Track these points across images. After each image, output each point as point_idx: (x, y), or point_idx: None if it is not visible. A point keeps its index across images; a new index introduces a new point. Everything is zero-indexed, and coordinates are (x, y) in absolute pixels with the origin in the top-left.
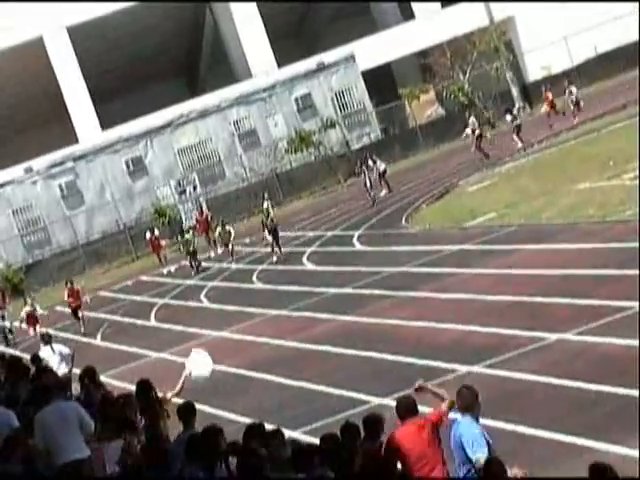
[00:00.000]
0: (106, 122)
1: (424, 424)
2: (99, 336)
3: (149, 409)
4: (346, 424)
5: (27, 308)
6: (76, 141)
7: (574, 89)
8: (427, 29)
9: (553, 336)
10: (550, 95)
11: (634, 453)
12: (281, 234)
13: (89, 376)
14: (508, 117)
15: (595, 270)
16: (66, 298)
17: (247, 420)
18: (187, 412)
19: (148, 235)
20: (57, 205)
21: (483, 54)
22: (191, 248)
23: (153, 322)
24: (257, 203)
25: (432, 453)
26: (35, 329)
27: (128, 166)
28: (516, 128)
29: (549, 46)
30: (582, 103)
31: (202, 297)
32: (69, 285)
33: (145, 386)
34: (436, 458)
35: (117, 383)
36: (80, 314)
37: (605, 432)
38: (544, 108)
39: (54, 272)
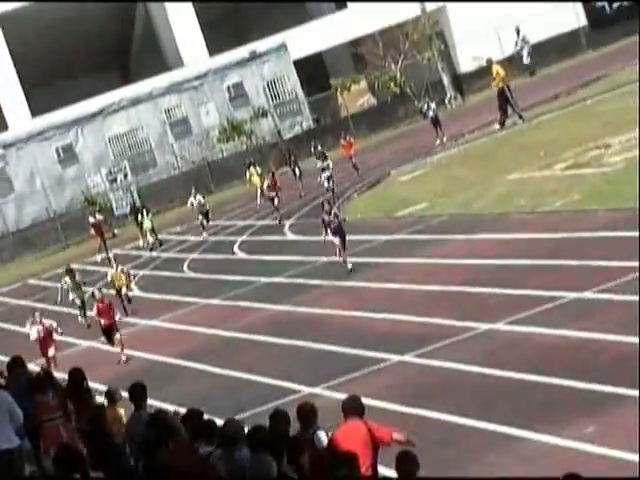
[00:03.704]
0: (36, 109)
1: (367, 430)
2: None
3: (79, 397)
4: (276, 411)
5: None
6: (6, 128)
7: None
8: (359, 18)
9: (484, 326)
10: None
11: (564, 443)
12: (213, 223)
13: (18, 364)
14: (431, 112)
15: (526, 260)
16: None
17: (176, 409)
18: (139, 392)
19: (91, 220)
20: None
21: (415, 44)
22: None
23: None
24: (188, 192)
25: (365, 456)
26: None
27: (58, 154)
28: (432, 120)
29: (481, 37)
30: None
31: (133, 285)
32: None
33: (76, 375)
34: (368, 461)
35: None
36: None
37: (536, 422)
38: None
39: None
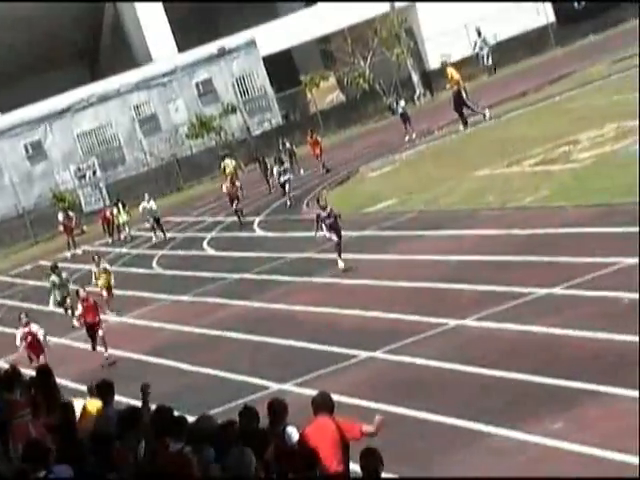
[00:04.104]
0: (5, 106)
1: (336, 426)
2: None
3: (47, 393)
4: (245, 408)
5: None
6: None
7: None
8: (328, 15)
9: (453, 322)
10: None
11: (533, 439)
12: (181, 219)
13: None
14: (400, 109)
15: (495, 256)
16: None
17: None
18: (106, 390)
19: (61, 217)
20: None
21: (384, 41)
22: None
23: (52, 308)
24: (158, 188)
25: (333, 453)
26: None
27: (27, 150)
28: (402, 117)
29: (450, 34)
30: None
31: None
32: None
33: (44, 371)
34: (338, 458)
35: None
36: None
37: (504, 418)
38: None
39: None
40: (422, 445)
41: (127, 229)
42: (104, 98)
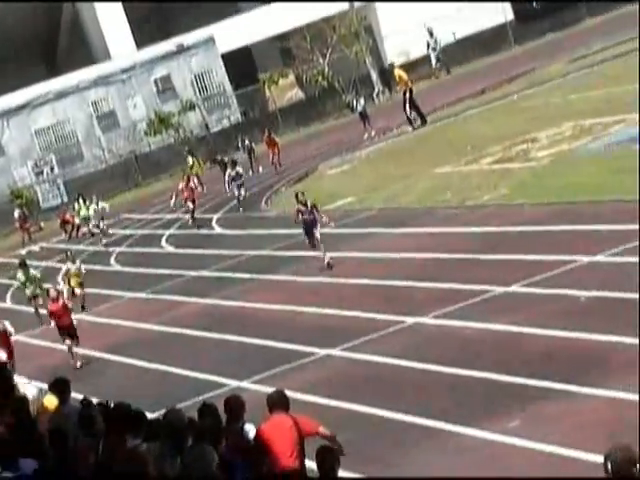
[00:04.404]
0: None
1: (293, 423)
2: None
3: (3, 390)
4: (204, 405)
5: None
6: None
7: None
8: (287, 12)
9: (410, 319)
10: None
11: (490, 437)
12: (140, 216)
13: None
14: (359, 106)
15: (453, 254)
16: None
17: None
18: (62, 387)
19: (16, 214)
20: None
21: (343, 38)
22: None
23: (9, 304)
24: (116, 185)
25: (290, 450)
26: None
27: None
28: (361, 114)
29: (408, 31)
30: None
31: (59, 279)
32: None
33: (1, 368)
34: (293, 455)
35: None
36: None
37: (462, 416)
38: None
39: None
40: (379, 443)
41: (89, 225)
42: (62, 94)
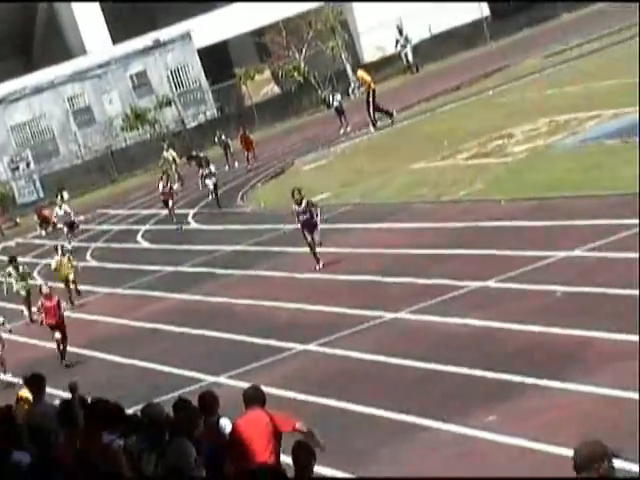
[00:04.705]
0: None
1: (268, 419)
2: None
3: None
4: (179, 400)
5: None
6: None
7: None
8: (263, 8)
9: (387, 315)
10: None
11: (467, 432)
12: (115, 212)
13: None
14: (335, 102)
15: (429, 249)
16: None
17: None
18: (37, 383)
19: None
20: None
21: (319, 34)
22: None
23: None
24: (92, 180)
25: (265, 445)
26: None
27: None
28: (337, 110)
29: (384, 27)
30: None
31: (35, 274)
32: None
33: None
34: (268, 448)
35: None
36: None
37: (439, 411)
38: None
39: None
40: (356, 438)
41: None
42: (38, 90)
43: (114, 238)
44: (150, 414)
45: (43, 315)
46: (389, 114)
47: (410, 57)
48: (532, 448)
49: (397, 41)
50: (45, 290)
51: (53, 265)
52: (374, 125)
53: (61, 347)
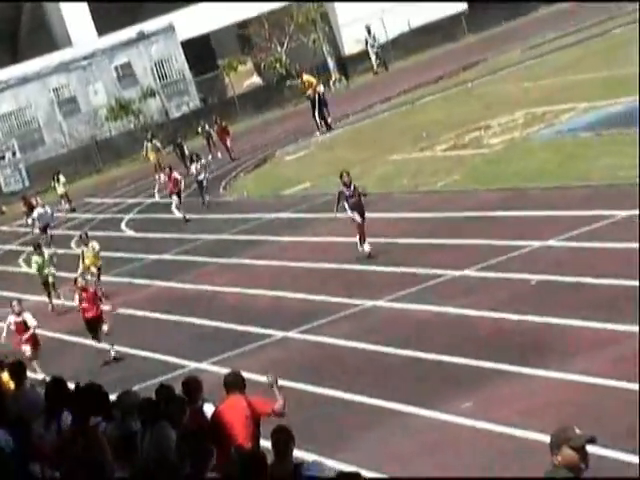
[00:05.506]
0: None
1: (247, 404)
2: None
3: None
4: (161, 386)
5: None
6: None
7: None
8: (246, 0)
9: (367, 303)
10: None
11: (444, 417)
12: (100, 200)
13: None
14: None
15: (408, 239)
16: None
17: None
18: (19, 371)
19: None
20: None
21: (301, 27)
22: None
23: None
24: (77, 170)
25: (244, 428)
26: None
27: None
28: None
29: (365, 20)
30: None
31: (20, 261)
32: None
33: None
34: (247, 434)
35: None
36: None
37: (417, 397)
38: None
39: None
40: (334, 423)
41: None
42: (23, 80)
43: (98, 227)
44: (124, 401)
45: (81, 309)
46: (327, 125)
47: (378, 56)
48: (508, 434)
49: (366, 40)
50: (81, 282)
51: (83, 255)
52: (319, 129)
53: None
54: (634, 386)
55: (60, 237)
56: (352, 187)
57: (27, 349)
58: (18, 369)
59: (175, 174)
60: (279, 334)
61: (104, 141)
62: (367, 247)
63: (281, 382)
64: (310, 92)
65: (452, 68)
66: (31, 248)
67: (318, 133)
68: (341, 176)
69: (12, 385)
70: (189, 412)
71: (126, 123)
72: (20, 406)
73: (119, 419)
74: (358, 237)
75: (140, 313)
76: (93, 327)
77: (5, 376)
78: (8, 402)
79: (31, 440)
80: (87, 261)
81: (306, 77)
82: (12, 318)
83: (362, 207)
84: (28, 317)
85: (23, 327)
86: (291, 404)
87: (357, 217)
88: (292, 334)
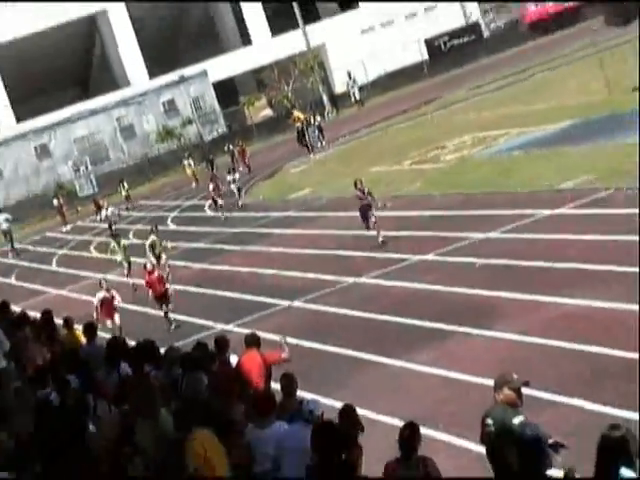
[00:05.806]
0: (21, 117)
1: (261, 357)
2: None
3: (49, 330)
4: (198, 343)
5: None
6: None
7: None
8: (261, 52)
9: (351, 279)
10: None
11: (407, 365)
12: (151, 203)
13: (4, 308)
14: (316, 122)
15: (383, 231)
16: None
17: None
18: (91, 330)
19: (55, 202)
20: None
21: (302, 71)
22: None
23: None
24: (133, 178)
25: (259, 375)
26: None
27: (36, 150)
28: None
29: (351, 65)
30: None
31: (92, 248)
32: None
33: (46, 313)
34: (261, 379)
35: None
36: None
37: (389, 350)
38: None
39: None
40: (329, 370)
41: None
42: (93, 112)
43: (149, 222)
44: (170, 354)
45: (149, 289)
46: (309, 149)
47: (357, 95)
48: (454, 378)
49: (348, 83)
50: (149, 267)
51: (149, 243)
52: (309, 150)
53: (168, 315)
54: (557, 342)
55: (122, 230)
56: (365, 191)
57: (116, 318)
58: (90, 328)
59: (218, 182)
60: (286, 303)
61: (154, 158)
62: (380, 237)
63: (288, 339)
64: (298, 124)
65: (416, 102)
66: (105, 237)
67: (312, 156)
68: (355, 184)
69: (84, 340)
70: (218, 362)
71: (170, 144)
72: (88, 357)
73: (166, 368)
74: (376, 232)
75: (183, 287)
76: (160, 301)
77: (78, 333)
78: (80, 354)
79: (95, 383)
80: (157, 249)
81: (296, 113)
82: (101, 294)
83: (366, 211)
84: (114, 293)
85: (110, 301)
86: (294, 356)
87: (373, 218)
88: (296, 303)
